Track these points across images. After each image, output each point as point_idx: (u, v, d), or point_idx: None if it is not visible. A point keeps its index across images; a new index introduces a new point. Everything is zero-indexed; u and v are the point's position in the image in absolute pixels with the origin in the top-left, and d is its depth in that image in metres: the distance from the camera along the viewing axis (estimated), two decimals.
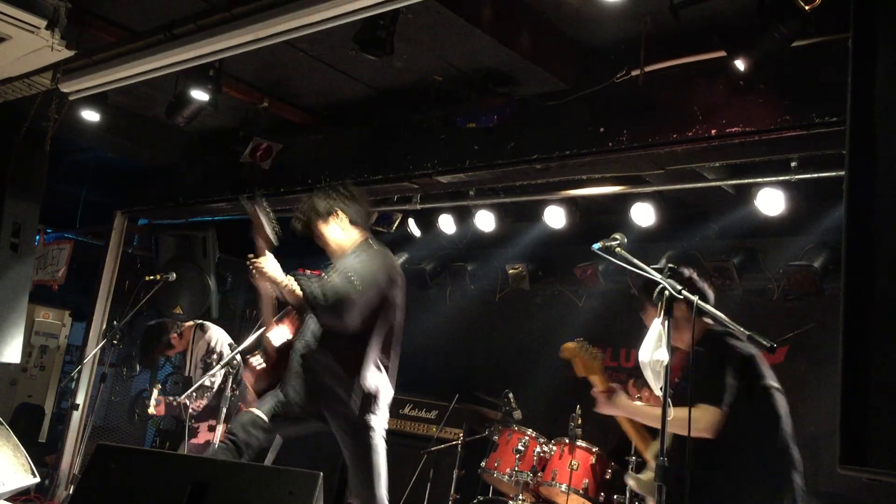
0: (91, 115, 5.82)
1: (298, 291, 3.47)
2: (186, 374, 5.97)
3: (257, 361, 3.87)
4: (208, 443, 5.57)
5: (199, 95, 5.06)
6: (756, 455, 3.40)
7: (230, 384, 5.01)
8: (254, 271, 3.49)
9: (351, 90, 5.57)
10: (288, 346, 3.84)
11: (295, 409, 3.74)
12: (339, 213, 3.79)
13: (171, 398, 5.62)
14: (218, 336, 6.08)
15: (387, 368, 3.76)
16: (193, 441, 5.70)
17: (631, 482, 4.02)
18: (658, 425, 3.00)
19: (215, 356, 5.68)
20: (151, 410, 5.60)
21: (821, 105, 3.82)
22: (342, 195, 3.81)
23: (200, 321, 6.27)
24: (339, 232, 3.78)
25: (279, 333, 3.83)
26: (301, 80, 5.55)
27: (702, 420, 3.21)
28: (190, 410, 5.44)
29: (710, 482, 3.26)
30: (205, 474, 3.16)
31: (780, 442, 3.43)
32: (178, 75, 5.02)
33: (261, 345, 3.88)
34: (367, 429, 3.65)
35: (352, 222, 3.80)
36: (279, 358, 3.86)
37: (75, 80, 4.92)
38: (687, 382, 3.37)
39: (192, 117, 5.34)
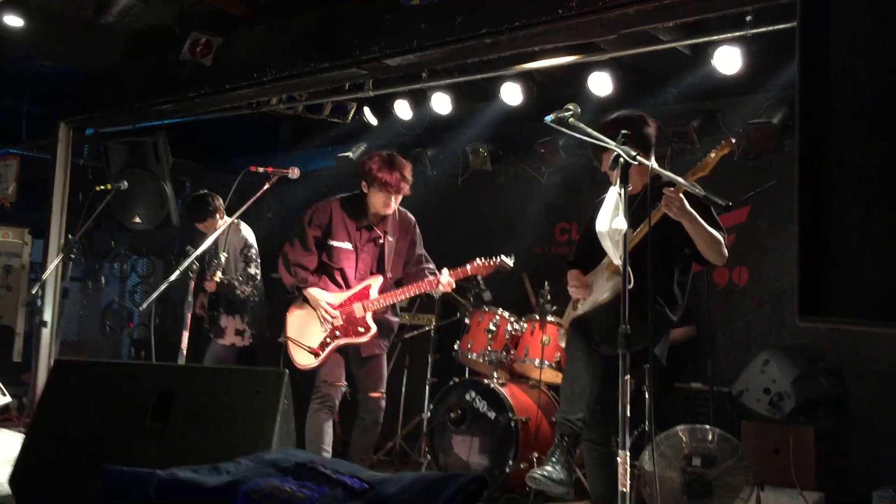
0: (14, 21, 5.52)
1: None
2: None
3: None
4: (233, 346, 5.80)
5: None
6: None
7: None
8: None
9: None
10: None
11: None
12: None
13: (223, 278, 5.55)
14: (251, 232, 5.99)
15: None
16: (220, 341, 5.81)
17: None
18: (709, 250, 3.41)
19: (254, 250, 5.85)
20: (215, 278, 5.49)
21: None
22: None
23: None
24: None
25: None
26: None
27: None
28: (238, 292, 5.66)
29: None
30: (170, 382, 3.13)
31: None
32: None
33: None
34: None
35: None
36: None
37: None
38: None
39: (121, 15, 5.07)
